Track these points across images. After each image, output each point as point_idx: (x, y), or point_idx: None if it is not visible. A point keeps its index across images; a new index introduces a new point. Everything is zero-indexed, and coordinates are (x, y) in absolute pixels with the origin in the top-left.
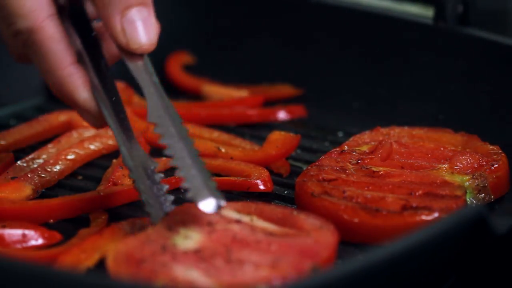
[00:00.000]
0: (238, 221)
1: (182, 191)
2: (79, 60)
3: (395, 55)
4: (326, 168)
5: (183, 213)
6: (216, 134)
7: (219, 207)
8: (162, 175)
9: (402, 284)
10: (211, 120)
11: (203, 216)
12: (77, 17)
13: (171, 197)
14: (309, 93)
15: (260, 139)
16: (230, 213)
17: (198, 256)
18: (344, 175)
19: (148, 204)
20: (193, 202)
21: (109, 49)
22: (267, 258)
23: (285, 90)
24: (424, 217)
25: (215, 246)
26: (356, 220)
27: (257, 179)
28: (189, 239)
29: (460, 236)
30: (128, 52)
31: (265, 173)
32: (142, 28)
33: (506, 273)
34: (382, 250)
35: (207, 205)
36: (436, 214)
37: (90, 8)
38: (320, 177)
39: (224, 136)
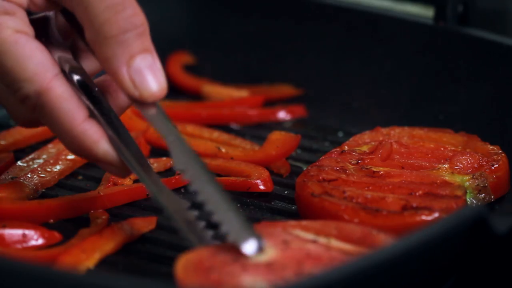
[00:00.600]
0: (314, 241)
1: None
2: (91, 115)
3: (395, 55)
4: (326, 168)
5: (260, 230)
6: (216, 134)
7: (260, 248)
8: (196, 213)
9: (402, 284)
10: (211, 120)
11: (279, 234)
12: (78, 75)
13: (210, 232)
14: (309, 93)
15: (260, 139)
16: (307, 234)
17: (269, 268)
18: (344, 175)
19: (188, 237)
20: (235, 244)
21: (116, 102)
22: None
23: (285, 90)
24: (424, 217)
25: (287, 261)
26: (356, 220)
27: (257, 179)
28: (263, 255)
29: (460, 236)
30: (141, 102)
31: (265, 173)
32: (150, 76)
33: (506, 273)
34: (382, 250)
35: (250, 246)
36: (436, 214)
37: (87, 66)
38: (320, 177)
39: (224, 136)
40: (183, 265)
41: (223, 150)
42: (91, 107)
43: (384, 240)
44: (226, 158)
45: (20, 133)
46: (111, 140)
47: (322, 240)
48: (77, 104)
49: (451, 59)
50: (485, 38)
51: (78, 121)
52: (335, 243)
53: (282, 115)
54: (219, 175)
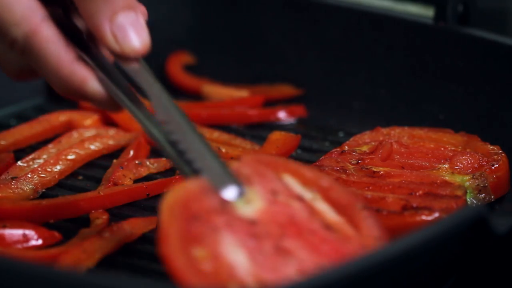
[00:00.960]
0: (300, 198)
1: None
2: (79, 57)
3: (395, 55)
4: (327, 168)
5: (252, 166)
6: (216, 134)
7: (241, 193)
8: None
9: (402, 284)
10: (212, 120)
11: (269, 178)
12: (65, 21)
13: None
14: (309, 93)
15: (260, 139)
16: (295, 185)
17: (252, 230)
18: (344, 175)
19: (182, 170)
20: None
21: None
22: (312, 261)
23: (285, 90)
24: (424, 217)
25: (270, 223)
26: None
27: None
28: (250, 205)
29: (460, 236)
30: (123, 57)
31: None
32: (133, 32)
33: (506, 273)
34: (382, 250)
35: (230, 192)
36: (436, 214)
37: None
38: None
39: (225, 136)
40: (170, 205)
41: (223, 150)
42: (79, 50)
43: (364, 221)
44: (226, 158)
45: (20, 133)
46: (100, 80)
47: (308, 196)
48: (65, 46)
49: (451, 59)
50: (485, 38)
51: (67, 62)
52: (320, 205)
53: (282, 115)
54: None
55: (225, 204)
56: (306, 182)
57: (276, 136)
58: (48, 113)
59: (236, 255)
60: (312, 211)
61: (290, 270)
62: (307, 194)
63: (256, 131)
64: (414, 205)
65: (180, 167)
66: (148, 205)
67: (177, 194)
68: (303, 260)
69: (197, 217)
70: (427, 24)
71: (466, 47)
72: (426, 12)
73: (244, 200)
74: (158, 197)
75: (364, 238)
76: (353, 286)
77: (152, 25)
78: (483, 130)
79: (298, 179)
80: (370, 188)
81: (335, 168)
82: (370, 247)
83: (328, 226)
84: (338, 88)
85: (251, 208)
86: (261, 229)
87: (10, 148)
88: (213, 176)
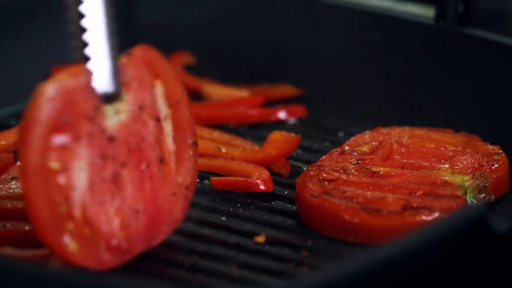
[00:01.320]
0: (158, 118)
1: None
2: None
3: (395, 55)
4: (327, 168)
5: (137, 68)
6: (216, 134)
7: (116, 94)
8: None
9: (402, 284)
10: (212, 120)
11: (144, 88)
12: None
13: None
14: (310, 93)
15: (260, 139)
16: (161, 98)
17: (106, 148)
18: (344, 175)
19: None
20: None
21: None
22: (131, 204)
23: (286, 90)
24: (424, 217)
25: (122, 145)
26: (356, 220)
27: (257, 179)
28: (116, 117)
29: (460, 236)
30: None
31: (266, 173)
32: None
33: (506, 273)
34: (382, 250)
35: (107, 87)
36: (436, 214)
37: None
38: (321, 177)
39: (225, 136)
40: (52, 88)
41: (224, 150)
42: None
43: (188, 157)
44: (226, 158)
45: None
46: None
47: (164, 113)
48: None
49: (451, 59)
50: (486, 38)
51: None
52: (167, 128)
53: (283, 115)
54: (219, 175)
55: (97, 109)
56: (168, 95)
57: (276, 136)
58: None
59: (80, 175)
60: (159, 137)
61: (110, 209)
62: (164, 111)
63: (256, 131)
64: (414, 205)
65: (75, 46)
66: None
67: (58, 86)
68: (126, 199)
69: (67, 121)
70: (427, 24)
71: (466, 47)
72: (426, 12)
73: (115, 109)
74: None
75: (177, 184)
76: (353, 286)
77: (152, 25)
78: (483, 130)
79: (165, 89)
80: (370, 188)
81: (335, 168)
82: (178, 196)
83: (162, 159)
84: (338, 88)
85: (115, 121)
86: (113, 150)
87: (10, 148)
88: (97, 67)
